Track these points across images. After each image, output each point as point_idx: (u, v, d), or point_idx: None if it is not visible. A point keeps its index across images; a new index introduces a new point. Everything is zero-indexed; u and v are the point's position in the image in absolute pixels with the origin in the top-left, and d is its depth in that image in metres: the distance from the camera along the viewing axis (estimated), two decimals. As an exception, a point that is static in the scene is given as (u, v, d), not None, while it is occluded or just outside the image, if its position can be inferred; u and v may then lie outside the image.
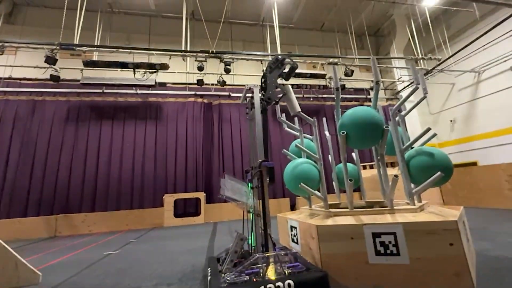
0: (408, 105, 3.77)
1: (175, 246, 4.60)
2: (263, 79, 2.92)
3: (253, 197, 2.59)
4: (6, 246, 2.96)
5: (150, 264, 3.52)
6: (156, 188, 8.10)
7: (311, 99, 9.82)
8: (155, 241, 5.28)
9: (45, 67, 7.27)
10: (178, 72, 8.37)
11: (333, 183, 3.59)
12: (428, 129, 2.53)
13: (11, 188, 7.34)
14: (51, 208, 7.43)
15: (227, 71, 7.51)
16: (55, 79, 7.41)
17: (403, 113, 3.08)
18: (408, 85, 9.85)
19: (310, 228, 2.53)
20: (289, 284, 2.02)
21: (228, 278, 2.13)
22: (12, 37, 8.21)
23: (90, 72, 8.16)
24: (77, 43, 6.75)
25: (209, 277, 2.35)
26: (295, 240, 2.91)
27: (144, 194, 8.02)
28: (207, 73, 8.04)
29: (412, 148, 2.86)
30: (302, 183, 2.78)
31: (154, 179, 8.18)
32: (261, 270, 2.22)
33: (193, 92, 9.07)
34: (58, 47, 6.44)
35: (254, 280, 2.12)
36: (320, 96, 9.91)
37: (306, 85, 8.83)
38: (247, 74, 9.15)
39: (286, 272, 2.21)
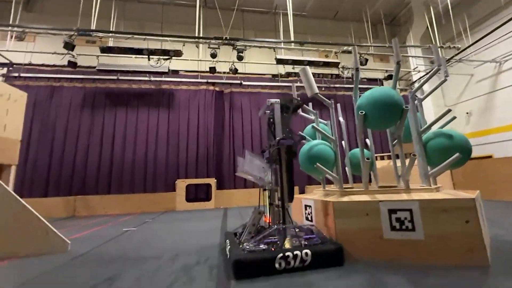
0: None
1: (189, 226, 4.78)
2: (272, 126, 2.80)
3: (270, 174, 2.67)
4: (38, 215, 3.18)
5: (167, 240, 3.69)
6: (168, 173, 8.33)
7: (323, 89, 9.72)
8: (169, 222, 5.49)
9: (63, 53, 7.46)
10: (191, 60, 8.42)
11: (346, 168, 3.62)
12: (448, 111, 2.52)
13: (33, 170, 7.70)
14: (70, 190, 7.77)
15: (240, 58, 7.51)
16: (72, 65, 7.61)
17: (421, 96, 3.06)
18: (423, 75, 9.59)
19: (326, 205, 2.60)
20: (306, 253, 2.10)
21: (247, 247, 2.24)
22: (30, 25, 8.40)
23: (105, 59, 8.31)
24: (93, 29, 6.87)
25: (228, 247, 2.47)
26: (309, 218, 2.99)
27: (157, 178, 8.26)
28: (219, 61, 8.06)
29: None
30: (318, 164, 2.84)
31: (166, 164, 8.39)
32: (279, 241, 2.32)
33: (205, 80, 9.13)
34: (76, 33, 6.59)
35: (272, 249, 2.22)
36: (332, 85, 9.80)
37: (318, 74, 8.74)
38: (258, 62, 9.12)
39: (302, 243, 2.29)
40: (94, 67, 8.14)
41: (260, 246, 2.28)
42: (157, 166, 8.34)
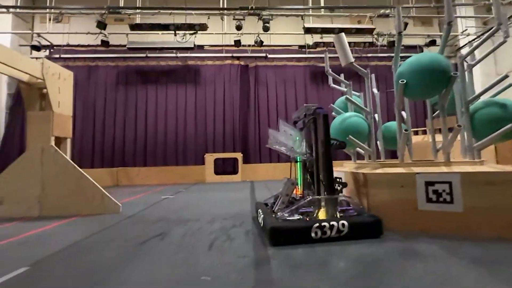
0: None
1: (220, 196, 5.12)
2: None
3: (304, 144, 2.66)
4: (95, 183, 3.63)
5: (203, 206, 4.03)
6: (197, 148, 8.75)
7: (354, 59, 9.07)
8: (201, 192, 5.92)
9: (96, 33, 7.77)
10: (215, 33, 8.28)
11: (378, 142, 3.51)
12: (505, 77, 2.27)
13: (80, 144, 8.57)
14: (112, 162, 8.59)
15: (266, 29, 7.22)
16: (105, 44, 7.95)
17: (471, 62, 2.76)
18: (473, 39, 8.42)
19: (358, 177, 2.61)
20: (343, 224, 2.09)
21: (282, 216, 2.31)
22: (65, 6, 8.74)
23: (134, 37, 8.50)
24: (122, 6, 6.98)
25: (261, 216, 2.54)
26: (339, 190, 3.04)
27: (187, 152, 8.75)
28: (244, 33, 7.82)
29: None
30: (350, 136, 2.80)
31: (195, 139, 8.80)
32: (314, 211, 2.37)
33: (229, 55, 9.01)
34: (106, 11, 6.76)
35: (307, 219, 2.27)
36: (363, 55, 9.09)
37: (349, 42, 8.09)
38: (285, 32, 8.68)
39: (338, 215, 2.29)
40: (124, 46, 8.40)
41: (294, 216, 2.31)
42: (187, 140, 8.78)
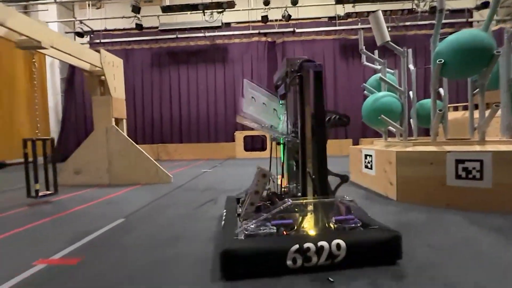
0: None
1: (253, 170, 5.58)
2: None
3: (287, 119, 1.90)
4: (150, 157, 4.25)
5: (239, 179, 4.51)
6: (227, 126, 9.25)
7: (390, 29, 8.43)
8: (235, 166, 6.46)
9: (130, 17, 8.16)
10: (242, 10, 8.20)
11: (411, 120, 3.55)
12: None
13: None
14: (153, 138, 9.51)
15: (294, 2, 7.00)
16: (139, 27, 8.35)
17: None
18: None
19: (388, 154, 2.80)
20: (337, 245, 1.35)
21: (248, 228, 1.53)
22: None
23: (164, 18, 8.76)
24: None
25: (223, 222, 1.87)
26: (369, 166, 3.26)
27: (218, 130, 9.32)
28: (272, 8, 7.65)
29: None
30: (382, 115, 2.93)
31: (225, 117, 9.26)
32: (295, 221, 1.62)
33: (256, 31, 8.94)
34: (140, -5, 7.04)
35: (284, 233, 1.55)
36: (401, 24, 8.40)
37: (385, 11, 7.51)
38: (314, 4, 8.28)
39: (332, 226, 1.57)
40: (156, 28, 8.74)
41: (267, 227, 1.53)
42: (217, 118, 9.30)
